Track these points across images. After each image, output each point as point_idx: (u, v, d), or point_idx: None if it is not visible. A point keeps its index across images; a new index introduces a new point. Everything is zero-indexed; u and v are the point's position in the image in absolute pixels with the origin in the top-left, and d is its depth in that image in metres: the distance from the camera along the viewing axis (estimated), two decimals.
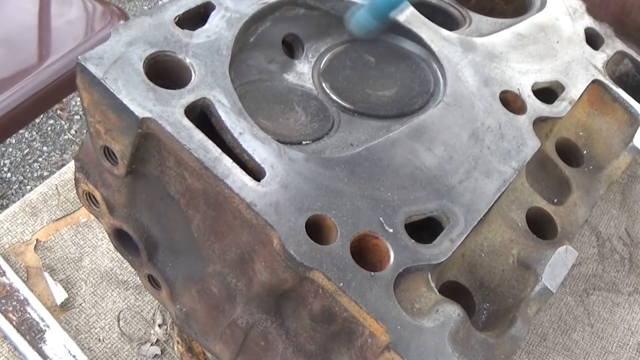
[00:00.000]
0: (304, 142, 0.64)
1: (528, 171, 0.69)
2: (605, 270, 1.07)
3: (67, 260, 0.94)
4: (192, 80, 0.57)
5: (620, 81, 0.86)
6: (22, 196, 1.01)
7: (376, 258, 0.54)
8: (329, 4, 0.73)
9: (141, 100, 0.54)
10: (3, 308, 0.88)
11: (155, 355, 0.87)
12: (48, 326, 0.88)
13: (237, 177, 0.53)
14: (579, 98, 0.76)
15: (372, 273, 0.52)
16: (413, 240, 0.55)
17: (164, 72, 0.58)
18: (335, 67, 0.72)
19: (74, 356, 0.86)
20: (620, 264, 1.08)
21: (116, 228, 0.69)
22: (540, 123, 0.71)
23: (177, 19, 0.61)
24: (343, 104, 0.69)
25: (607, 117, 0.80)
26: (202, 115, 0.57)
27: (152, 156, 0.58)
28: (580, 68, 0.80)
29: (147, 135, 0.54)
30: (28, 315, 0.88)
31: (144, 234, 0.67)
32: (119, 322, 0.90)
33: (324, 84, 0.70)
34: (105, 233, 0.75)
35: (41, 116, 2.10)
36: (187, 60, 0.58)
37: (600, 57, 0.83)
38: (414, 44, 0.75)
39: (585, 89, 0.78)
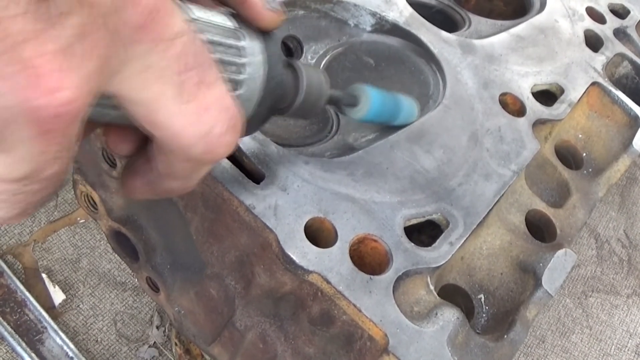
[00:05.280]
0: (303, 145, 0.63)
1: (527, 174, 0.69)
2: (604, 273, 1.07)
3: (65, 261, 0.94)
4: None
5: (620, 83, 0.86)
6: None
7: (375, 261, 0.54)
8: (328, 6, 0.73)
9: None
10: (1, 309, 0.87)
11: (153, 357, 0.87)
12: (46, 327, 0.87)
13: (236, 180, 0.53)
14: (579, 100, 0.76)
15: (371, 276, 0.52)
16: (412, 244, 0.55)
17: None
18: (334, 68, 0.72)
19: (71, 358, 0.86)
20: (618, 266, 1.08)
21: (114, 230, 0.69)
22: (539, 125, 0.71)
23: None
24: None
25: (607, 119, 0.80)
26: None
27: None
28: (580, 70, 0.80)
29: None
30: (26, 317, 0.88)
31: (142, 236, 0.67)
32: (116, 323, 0.89)
33: None
34: (103, 234, 0.75)
35: None
36: None
37: (599, 60, 0.83)
38: (413, 46, 0.75)
39: (585, 92, 0.78)
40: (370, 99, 0.57)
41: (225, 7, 0.41)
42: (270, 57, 0.41)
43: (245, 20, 0.40)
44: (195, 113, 0.33)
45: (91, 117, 0.34)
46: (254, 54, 0.39)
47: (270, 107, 0.43)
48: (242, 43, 0.39)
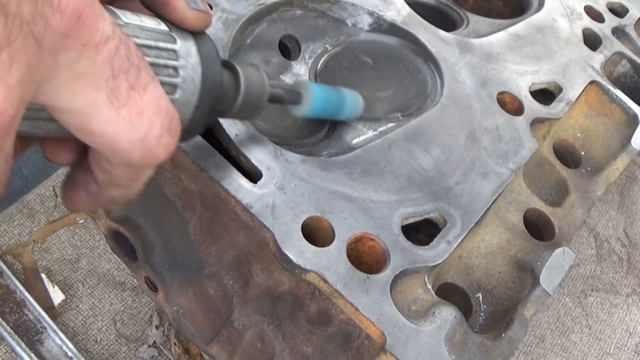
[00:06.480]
0: (300, 144, 0.63)
1: (525, 173, 0.69)
2: (604, 272, 1.07)
3: (64, 261, 0.94)
4: None
5: (618, 82, 0.86)
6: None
7: (373, 260, 0.54)
8: (325, 5, 0.73)
9: None
10: (0, 309, 0.88)
11: (152, 356, 0.87)
12: (45, 328, 0.88)
13: (233, 179, 0.53)
14: (577, 99, 0.76)
15: (369, 275, 0.52)
16: (410, 242, 0.55)
17: None
18: (332, 68, 0.72)
19: (70, 358, 0.86)
20: (618, 265, 1.08)
21: (113, 230, 0.69)
22: (537, 124, 0.71)
23: None
24: None
25: (605, 118, 0.80)
26: None
27: None
28: (578, 69, 0.80)
29: None
30: (25, 317, 0.88)
31: (141, 236, 0.67)
32: (115, 323, 0.89)
33: None
34: (102, 235, 0.75)
35: None
36: None
37: (598, 58, 0.83)
38: (411, 45, 0.75)
39: (583, 90, 0.78)
40: (313, 96, 0.56)
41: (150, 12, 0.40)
42: (205, 57, 0.40)
43: (173, 24, 0.39)
44: (129, 117, 0.33)
45: (26, 131, 0.33)
46: (188, 56, 0.39)
47: (211, 109, 0.42)
48: (174, 46, 0.38)
